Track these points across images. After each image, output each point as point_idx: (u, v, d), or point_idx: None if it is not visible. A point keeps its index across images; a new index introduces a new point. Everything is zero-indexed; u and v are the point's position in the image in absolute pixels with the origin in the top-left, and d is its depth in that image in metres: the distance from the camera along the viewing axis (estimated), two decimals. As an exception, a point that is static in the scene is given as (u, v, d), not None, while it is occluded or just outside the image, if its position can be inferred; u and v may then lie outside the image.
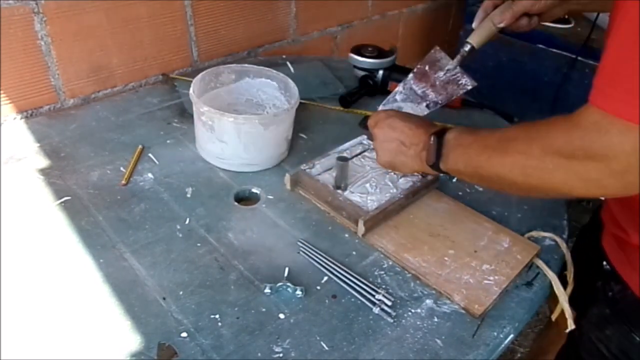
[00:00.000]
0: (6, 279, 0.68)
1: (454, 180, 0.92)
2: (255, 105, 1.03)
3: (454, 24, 1.92)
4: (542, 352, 1.15)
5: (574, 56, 1.55)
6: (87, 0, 1.01)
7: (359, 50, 1.17)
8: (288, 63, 1.28)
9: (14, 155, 0.91)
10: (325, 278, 0.71)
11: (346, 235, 0.79)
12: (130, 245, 0.75)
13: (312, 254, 0.74)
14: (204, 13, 1.20)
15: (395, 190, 0.84)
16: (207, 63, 1.27)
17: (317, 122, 1.06)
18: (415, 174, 0.85)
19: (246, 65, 1.01)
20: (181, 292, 0.68)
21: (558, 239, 0.79)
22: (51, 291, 0.67)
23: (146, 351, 0.60)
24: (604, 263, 0.73)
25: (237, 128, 0.86)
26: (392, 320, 0.66)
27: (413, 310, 0.67)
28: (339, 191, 0.83)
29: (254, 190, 0.88)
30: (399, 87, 0.89)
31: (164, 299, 0.67)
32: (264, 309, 0.67)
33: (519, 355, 1.53)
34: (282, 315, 0.66)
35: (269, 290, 0.69)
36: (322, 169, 0.88)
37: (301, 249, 0.76)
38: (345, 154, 0.90)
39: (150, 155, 0.93)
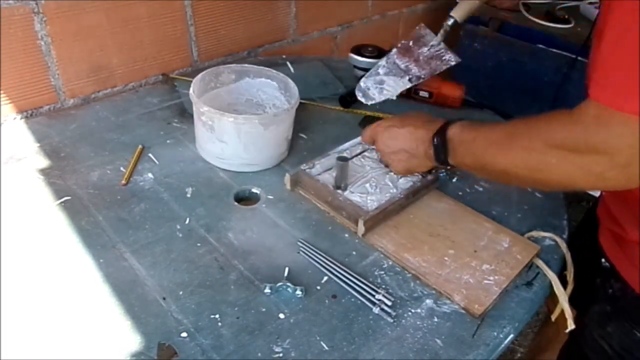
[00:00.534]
0: (6, 279, 0.68)
1: (454, 180, 0.92)
2: (255, 105, 1.03)
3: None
4: (540, 350, 1.15)
5: (574, 56, 1.55)
6: (87, 0, 1.01)
7: (359, 50, 1.17)
8: (288, 63, 1.28)
9: (14, 155, 0.91)
10: (325, 278, 0.71)
11: (346, 235, 0.79)
12: (130, 245, 0.75)
13: (312, 254, 0.74)
14: (204, 13, 1.20)
15: (395, 190, 0.84)
16: (207, 63, 1.27)
17: (317, 122, 1.06)
18: (417, 174, 0.86)
19: (246, 65, 1.01)
20: (181, 292, 0.68)
21: (558, 239, 0.79)
22: (51, 291, 0.67)
23: (146, 351, 0.60)
24: (603, 260, 0.73)
25: (237, 128, 0.86)
26: (392, 320, 0.66)
27: (413, 310, 0.67)
28: (339, 191, 0.83)
29: (254, 190, 0.88)
30: (382, 62, 0.90)
31: (164, 299, 0.67)
32: (264, 309, 0.67)
33: (519, 355, 1.53)
34: (282, 315, 0.66)
35: (269, 290, 0.69)
36: (322, 169, 0.88)
37: (301, 249, 0.76)
38: (345, 154, 0.90)
39: (150, 155, 0.93)
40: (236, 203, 0.85)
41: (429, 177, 0.86)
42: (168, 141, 0.98)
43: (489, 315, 0.68)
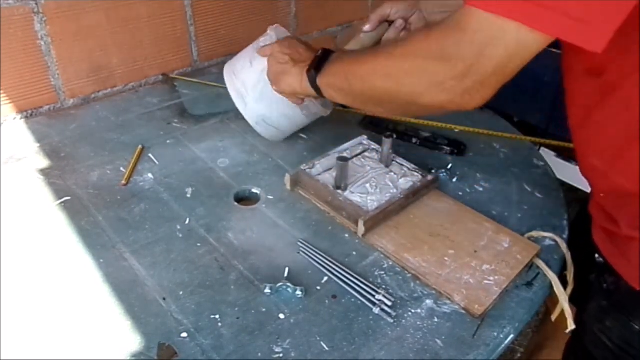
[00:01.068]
0: (6, 279, 0.68)
1: (454, 180, 0.92)
2: None
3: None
4: (538, 348, 1.15)
5: (574, 56, 1.55)
6: (87, 0, 1.01)
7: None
8: (288, 63, 1.28)
9: (14, 155, 0.91)
10: (325, 278, 0.71)
11: (346, 235, 0.79)
12: (130, 245, 0.75)
13: (312, 254, 0.74)
14: (204, 13, 1.20)
15: (395, 191, 0.84)
16: (207, 63, 1.27)
17: (317, 122, 1.06)
18: (307, 100, 0.87)
19: None
20: (181, 292, 0.68)
21: (558, 239, 0.79)
22: (51, 291, 0.67)
23: (146, 351, 0.60)
24: (597, 256, 0.73)
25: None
26: (392, 321, 0.66)
27: (413, 311, 0.67)
28: (339, 191, 0.83)
29: (254, 190, 0.88)
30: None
31: (164, 299, 0.67)
32: (264, 309, 0.66)
33: (519, 355, 1.53)
34: (282, 316, 0.66)
35: (269, 291, 0.68)
36: (322, 169, 0.87)
37: (301, 249, 0.76)
38: (345, 154, 0.90)
39: (150, 155, 0.93)
40: (236, 203, 0.85)
41: (429, 177, 0.86)
42: (168, 141, 0.98)
43: (489, 316, 0.68)
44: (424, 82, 0.58)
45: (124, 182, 0.86)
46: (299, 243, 0.77)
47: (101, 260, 0.72)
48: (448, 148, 0.99)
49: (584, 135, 0.68)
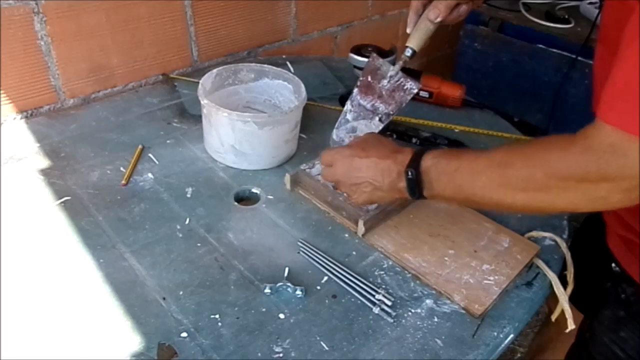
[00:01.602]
0: (6, 279, 0.68)
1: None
2: (272, 106, 1.04)
3: (454, 24, 1.92)
4: (540, 350, 1.15)
5: (574, 56, 1.55)
6: (87, 0, 1.01)
7: (358, 50, 1.17)
8: (288, 63, 1.28)
9: (14, 155, 0.91)
10: (325, 278, 0.71)
11: (346, 235, 0.79)
12: (130, 245, 0.75)
13: (312, 254, 0.74)
14: (204, 13, 1.20)
15: (395, 190, 0.84)
16: (207, 63, 1.27)
17: (317, 122, 1.06)
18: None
19: (265, 65, 1.01)
20: (181, 292, 0.68)
21: (558, 239, 0.79)
22: (51, 291, 0.67)
23: (146, 351, 0.60)
24: (613, 265, 0.72)
25: (231, 124, 0.86)
26: (392, 320, 0.66)
27: (413, 310, 0.67)
28: (339, 191, 0.83)
29: (254, 190, 0.88)
30: (348, 106, 0.87)
31: (164, 299, 0.67)
32: (264, 309, 0.67)
33: (519, 355, 1.53)
34: (282, 315, 0.66)
35: (269, 290, 0.69)
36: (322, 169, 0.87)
37: (301, 249, 0.76)
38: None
39: (150, 155, 0.93)
40: (236, 203, 0.85)
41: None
42: (168, 141, 0.98)
43: (489, 315, 0.68)
44: (583, 200, 0.54)
45: (124, 182, 0.86)
46: (299, 243, 0.77)
47: (101, 260, 0.72)
48: (448, 148, 0.99)
49: None
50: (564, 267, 0.77)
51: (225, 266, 0.72)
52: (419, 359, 0.62)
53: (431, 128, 1.06)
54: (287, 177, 0.87)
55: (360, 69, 1.17)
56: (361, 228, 0.77)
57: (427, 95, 1.14)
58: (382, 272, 0.73)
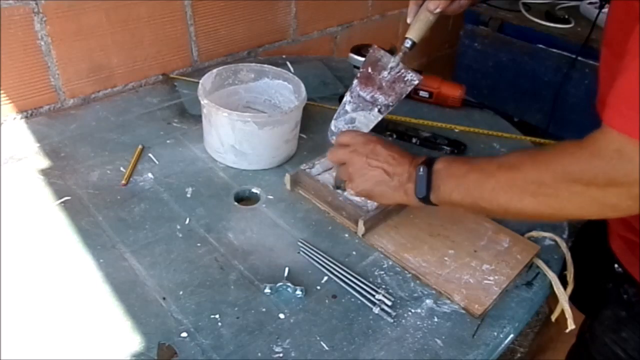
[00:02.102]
0: (6, 279, 0.68)
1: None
2: (272, 106, 1.04)
3: (454, 24, 1.92)
4: (541, 350, 1.15)
5: (574, 56, 1.55)
6: (87, 0, 1.01)
7: (358, 50, 1.17)
8: (288, 63, 1.28)
9: (14, 155, 0.91)
10: (325, 278, 0.71)
11: (346, 235, 0.79)
12: (130, 245, 0.75)
13: (312, 254, 0.74)
14: (204, 13, 1.20)
15: (395, 190, 0.84)
16: (207, 63, 1.27)
17: (317, 122, 1.06)
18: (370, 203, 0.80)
19: (265, 65, 1.01)
20: (181, 292, 0.68)
21: (558, 239, 0.79)
22: (51, 291, 0.67)
23: (146, 351, 0.60)
24: (616, 265, 0.72)
25: (231, 124, 0.86)
26: (392, 320, 0.66)
27: (413, 310, 0.67)
28: (339, 191, 0.83)
29: (254, 190, 0.88)
30: (347, 97, 0.86)
31: (164, 299, 0.67)
32: (264, 309, 0.67)
33: (519, 355, 1.53)
34: (282, 315, 0.66)
35: (269, 290, 0.69)
36: (322, 169, 0.87)
37: (301, 249, 0.76)
38: (345, 154, 0.90)
39: (150, 155, 0.93)
40: (236, 203, 0.85)
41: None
42: (168, 141, 0.98)
43: (489, 315, 0.68)
44: (592, 206, 0.54)
45: (124, 182, 0.86)
46: (299, 243, 0.77)
47: (101, 260, 0.72)
48: (448, 148, 0.99)
49: None
50: (564, 267, 0.77)
51: (225, 266, 0.72)
52: (419, 359, 0.62)
53: (431, 128, 1.06)
54: (287, 177, 0.87)
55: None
56: (361, 228, 0.77)
57: (427, 95, 1.14)
58: (382, 272, 0.73)
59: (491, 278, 0.71)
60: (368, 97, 0.85)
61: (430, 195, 0.66)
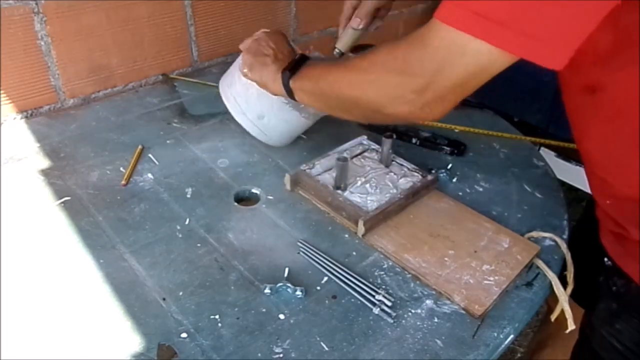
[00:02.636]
0: (6, 279, 0.68)
1: (454, 180, 0.92)
2: None
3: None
4: (540, 347, 1.15)
5: (574, 56, 1.55)
6: (87, 0, 1.01)
7: (358, 50, 1.17)
8: (288, 63, 1.28)
9: (14, 155, 0.91)
10: (325, 278, 0.71)
11: (346, 236, 0.79)
12: (130, 245, 0.75)
13: (312, 254, 0.74)
14: (204, 13, 1.20)
15: (395, 191, 0.84)
16: (207, 63, 1.27)
17: (317, 122, 1.06)
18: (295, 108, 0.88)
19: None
20: (181, 293, 0.68)
21: (558, 239, 0.79)
22: (51, 291, 0.67)
23: (146, 352, 0.60)
24: (605, 259, 0.73)
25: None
26: (392, 321, 0.66)
27: (413, 311, 0.67)
28: (339, 191, 0.83)
29: (254, 190, 0.88)
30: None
31: (164, 299, 0.67)
32: (264, 309, 0.67)
33: (519, 355, 1.53)
34: (282, 316, 0.66)
35: (269, 291, 0.69)
36: (322, 169, 0.88)
37: (301, 249, 0.76)
38: (345, 154, 0.90)
39: (150, 155, 0.93)
40: (236, 203, 0.85)
41: (429, 177, 0.86)
42: (168, 141, 0.98)
43: (489, 316, 0.68)
44: (386, 94, 0.60)
45: (124, 182, 0.86)
46: (299, 243, 0.77)
47: (101, 261, 0.72)
48: (448, 148, 0.99)
49: (585, 148, 0.68)
50: (564, 267, 0.77)
51: (225, 266, 0.72)
52: (418, 359, 0.62)
53: (431, 128, 1.06)
54: (287, 178, 0.87)
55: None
56: (361, 228, 0.77)
57: (427, 95, 1.14)
58: (382, 273, 0.73)
59: (491, 278, 0.71)
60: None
61: (290, 80, 0.76)
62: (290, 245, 0.77)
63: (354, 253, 0.76)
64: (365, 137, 0.96)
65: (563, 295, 0.72)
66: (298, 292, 0.68)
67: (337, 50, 0.90)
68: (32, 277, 0.69)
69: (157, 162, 0.92)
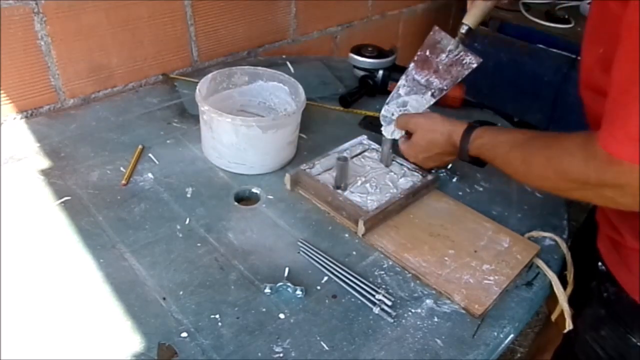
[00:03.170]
0: (6, 279, 0.68)
1: (454, 180, 0.92)
2: (267, 108, 1.03)
3: (454, 24, 1.92)
4: (540, 351, 1.15)
5: (574, 56, 1.55)
6: (87, 0, 1.01)
7: (359, 50, 1.17)
8: (288, 63, 1.28)
9: (14, 155, 0.91)
10: (325, 278, 0.71)
11: (346, 235, 0.79)
12: (130, 245, 0.75)
13: (312, 254, 0.74)
14: (204, 13, 1.20)
15: (395, 190, 0.84)
16: (207, 63, 1.27)
17: (317, 122, 1.06)
18: (416, 172, 0.87)
19: (259, 68, 1.00)
20: (181, 292, 0.68)
21: (558, 239, 0.79)
22: (51, 291, 0.67)
23: (146, 351, 0.60)
24: (599, 264, 0.73)
25: (235, 130, 0.86)
26: (392, 320, 0.66)
27: (413, 310, 0.67)
28: (339, 191, 0.83)
29: (254, 190, 0.88)
30: (402, 80, 0.86)
31: (164, 299, 0.67)
32: (264, 309, 0.67)
33: (519, 355, 1.53)
34: (282, 315, 0.66)
35: (269, 290, 0.69)
36: (322, 169, 0.88)
37: (301, 249, 0.76)
38: (345, 154, 0.90)
39: (150, 155, 0.93)
40: (236, 203, 0.85)
41: (429, 177, 0.86)
42: (168, 141, 0.98)
43: (489, 315, 0.68)
44: (592, 198, 0.59)
45: (124, 182, 0.86)
46: (299, 243, 0.77)
47: (101, 260, 0.72)
48: (448, 148, 0.99)
49: None
50: (564, 267, 0.77)
51: (225, 266, 0.72)
52: (419, 359, 0.62)
53: (431, 128, 1.06)
54: (287, 177, 0.87)
55: (360, 69, 1.17)
56: (361, 228, 0.77)
57: (427, 95, 1.14)
58: (382, 272, 0.73)
59: (491, 278, 0.71)
60: (423, 81, 0.86)
61: (469, 147, 0.75)
62: (290, 244, 0.77)
63: (354, 253, 0.76)
64: (365, 137, 0.96)
65: (562, 295, 0.72)
66: (298, 292, 0.68)
67: (464, 26, 0.84)
68: (32, 277, 0.69)
69: (157, 162, 0.92)
